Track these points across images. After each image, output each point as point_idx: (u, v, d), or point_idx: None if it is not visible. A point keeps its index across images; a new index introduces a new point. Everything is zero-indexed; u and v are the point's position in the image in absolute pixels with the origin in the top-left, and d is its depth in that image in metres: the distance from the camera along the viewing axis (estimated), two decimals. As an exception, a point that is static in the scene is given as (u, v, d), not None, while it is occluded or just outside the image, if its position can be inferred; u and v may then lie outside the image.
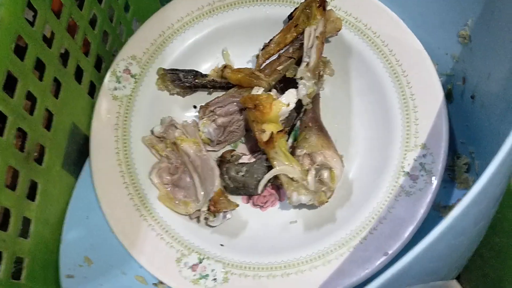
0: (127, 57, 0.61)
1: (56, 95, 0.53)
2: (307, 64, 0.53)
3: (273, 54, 0.59)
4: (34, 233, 0.49)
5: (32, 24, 0.47)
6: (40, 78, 0.50)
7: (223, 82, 0.60)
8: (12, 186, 0.47)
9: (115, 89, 0.60)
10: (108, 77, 0.60)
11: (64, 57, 0.54)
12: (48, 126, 0.52)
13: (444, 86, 0.54)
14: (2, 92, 0.43)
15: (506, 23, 0.41)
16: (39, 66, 0.50)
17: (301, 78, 0.53)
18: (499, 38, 0.43)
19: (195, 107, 0.63)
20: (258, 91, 0.55)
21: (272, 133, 0.53)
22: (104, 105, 0.59)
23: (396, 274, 0.30)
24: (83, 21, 0.56)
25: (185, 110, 0.63)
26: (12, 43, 0.44)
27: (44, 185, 0.51)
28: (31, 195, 0.49)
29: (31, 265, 0.48)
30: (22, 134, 0.48)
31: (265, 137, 0.53)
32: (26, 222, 0.48)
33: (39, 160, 0.51)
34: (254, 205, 0.59)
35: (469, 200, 0.29)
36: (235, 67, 0.61)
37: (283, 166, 0.53)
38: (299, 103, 0.55)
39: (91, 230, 0.55)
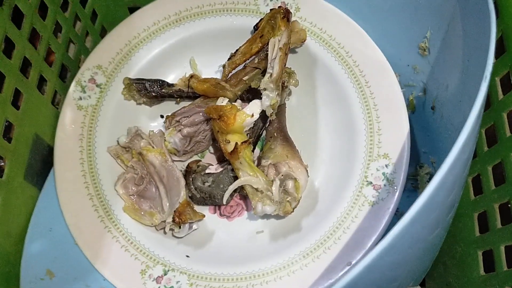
0: (93, 66, 0.60)
1: (17, 105, 0.52)
2: (271, 75, 0.54)
3: (239, 64, 0.59)
4: (-7, 247, 0.48)
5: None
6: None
7: (190, 92, 0.60)
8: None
9: (80, 98, 0.59)
10: (73, 86, 0.59)
11: (27, 67, 0.54)
12: (9, 137, 0.51)
13: (406, 97, 0.55)
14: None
15: (459, 36, 0.42)
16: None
17: (265, 89, 0.53)
18: (454, 50, 0.44)
19: (162, 116, 0.62)
20: (222, 101, 0.55)
21: (236, 143, 0.53)
22: (68, 115, 0.59)
23: (351, 281, 0.30)
24: (46, 30, 0.55)
25: (152, 120, 0.62)
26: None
27: (5, 197, 0.50)
28: (-10, 208, 0.48)
29: (-10, 280, 0.47)
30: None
31: (229, 147, 0.53)
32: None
33: (-1, 172, 0.50)
34: (221, 215, 0.59)
35: (417, 209, 0.29)
36: (203, 76, 0.61)
37: (248, 176, 0.53)
38: (264, 113, 0.55)
39: (54, 242, 0.54)
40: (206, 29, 0.62)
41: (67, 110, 0.59)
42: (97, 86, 0.60)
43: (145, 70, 0.61)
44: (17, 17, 0.51)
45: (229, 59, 0.60)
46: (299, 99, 0.61)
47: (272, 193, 0.52)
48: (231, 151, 0.53)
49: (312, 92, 0.60)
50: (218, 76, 0.62)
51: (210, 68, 0.63)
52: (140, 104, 0.62)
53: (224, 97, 0.57)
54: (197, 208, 0.57)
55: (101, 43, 0.61)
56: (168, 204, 0.56)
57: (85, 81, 0.60)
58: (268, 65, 0.55)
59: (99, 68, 0.61)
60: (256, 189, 0.53)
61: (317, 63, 0.59)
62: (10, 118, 0.50)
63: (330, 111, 0.59)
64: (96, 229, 0.55)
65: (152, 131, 0.59)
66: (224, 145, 0.54)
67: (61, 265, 0.53)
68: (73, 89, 0.59)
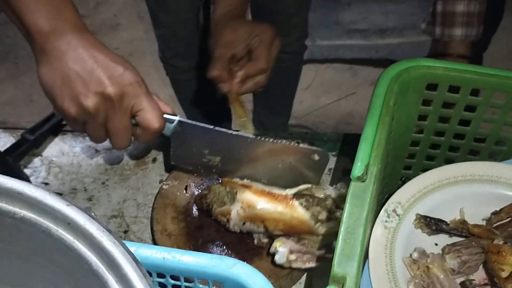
0: (396, 201, 0.91)
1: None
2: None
3: (503, 219, 0.85)
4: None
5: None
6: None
7: (462, 232, 0.87)
8: None
9: (386, 221, 0.89)
10: (382, 211, 0.89)
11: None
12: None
13: None
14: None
15: None
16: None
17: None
18: None
19: (436, 244, 0.89)
20: (499, 241, 0.81)
21: (511, 272, 0.77)
22: (379, 229, 0.88)
23: None
24: (380, 175, 0.88)
25: (428, 244, 0.89)
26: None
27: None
28: None
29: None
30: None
31: (503, 274, 0.78)
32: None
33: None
34: (480, 324, 0.81)
35: None
36: (469, 222, 0.88)
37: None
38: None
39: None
40: (475, 191, 0.91)
41: (378, 227, 0.88)
42: (396, 215, 0.90)
43: (430, 210, 0.90)
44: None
45: (494, 213, 0.87)
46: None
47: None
48: (506, 277, 0.77)
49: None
50: (481, 223, 0.89)
51: (474, 217, 0.90)
52: (423, 232, 0.89)
53: (494, 239, 0.83)
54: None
55: (401, 188, 0.92)
56: (450, 306, 0.80)
57: (389, 211, 0.90)
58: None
59: (399, 203, 0.91)
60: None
61: None
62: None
63: None
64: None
65: (433, 253, 0.86)
66: (498, 272, 0.78)
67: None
68: (382, 213, 0.89)
